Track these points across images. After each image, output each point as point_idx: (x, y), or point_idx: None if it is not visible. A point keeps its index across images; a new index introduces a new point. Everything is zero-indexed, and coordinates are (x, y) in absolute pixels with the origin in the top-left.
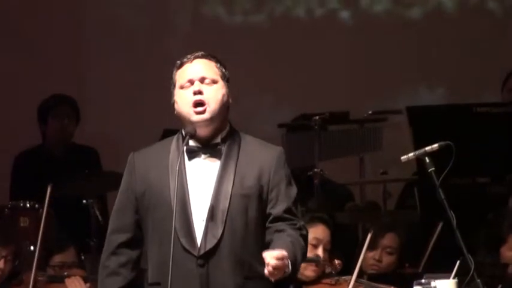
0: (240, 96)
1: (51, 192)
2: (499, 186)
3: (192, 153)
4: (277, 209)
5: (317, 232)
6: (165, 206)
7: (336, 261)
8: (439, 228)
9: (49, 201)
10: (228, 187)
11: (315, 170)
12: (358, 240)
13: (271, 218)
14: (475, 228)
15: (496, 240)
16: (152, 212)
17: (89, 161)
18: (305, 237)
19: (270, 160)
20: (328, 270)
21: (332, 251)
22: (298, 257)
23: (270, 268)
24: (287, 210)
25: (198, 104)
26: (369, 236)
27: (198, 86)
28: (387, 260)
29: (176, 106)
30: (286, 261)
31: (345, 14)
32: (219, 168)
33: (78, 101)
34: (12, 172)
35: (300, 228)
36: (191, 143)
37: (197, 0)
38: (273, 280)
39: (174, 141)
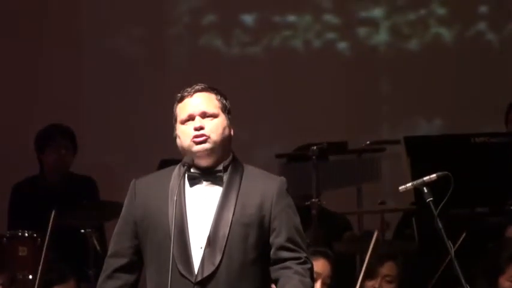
0: (238, 127)
1: (54, 218)
2: (497, 216)
3: (194, 180)
4: (280, 238)
5: (317, 266)
6: (163, 232)
7: None
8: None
9: (52, 227)
10: (228, 215)
11: (313, 200)
12: (355, 270)
13: (274, 248)
14: (473, 258)
15: (494, 271)
16: (150, 238)
17: (87, 191)
18: (311, 271)
19: (272, 190)
20: None
21: (332, 285)
22: None
23: None
24: (290, 240)
25: (199, 137)
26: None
27: (198, 122)
28: None
29: (178, 141)
30: None
31: (342, 46)
32: (221, 196)
33: (76, 130)
34: (10, 202)
35: (304, 262)
36: (193, 170)
37: (194, 32)
38: None
39: (176, 169)
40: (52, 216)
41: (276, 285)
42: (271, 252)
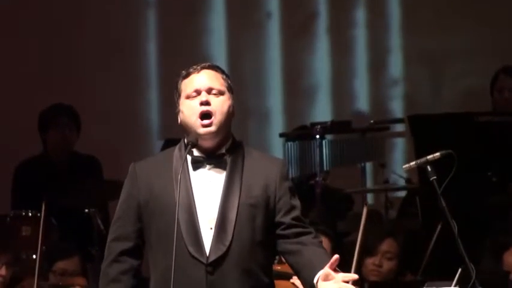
0: (243, 106)
1: (45, 209)
2: (500, 195)
3: (197, 164)
4: (287, 218)
5: None
6: (170, 215)
7: None
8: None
9: (45, 216)
10: (235, 197)
11: (317, 179)
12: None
13: (283, 226)
14: (477, 237)
15: (501, 247)
16: (157, 221)
17: (91, 170)
18: (322, 244)
19: (275, 171)
20: None
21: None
22: None
23: None
24: (297, 218)
25: (205, 114)
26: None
27: (205, 96)
28: (387, 265)
29: (182, 116)
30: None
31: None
32: (225, 179)
33: (80, 109)
34: (13, 181)
35: (317, 237)
36: (196, 153)
37: (196, 12)
38: None
39: (176, 150)
40: (43, 207)
41: (285, 258)
42: (279, 230)
